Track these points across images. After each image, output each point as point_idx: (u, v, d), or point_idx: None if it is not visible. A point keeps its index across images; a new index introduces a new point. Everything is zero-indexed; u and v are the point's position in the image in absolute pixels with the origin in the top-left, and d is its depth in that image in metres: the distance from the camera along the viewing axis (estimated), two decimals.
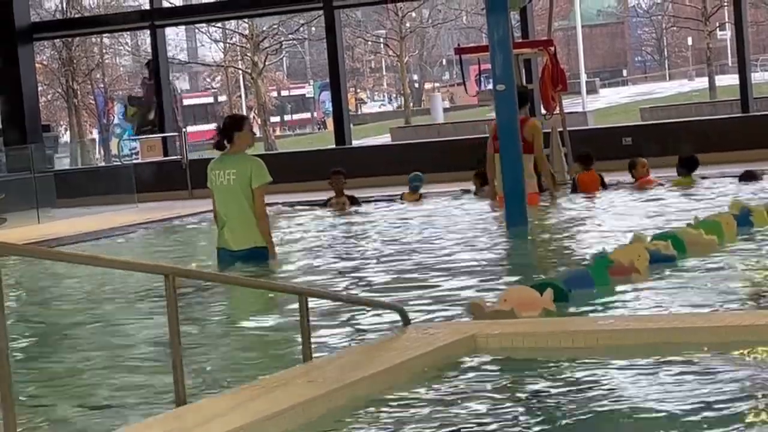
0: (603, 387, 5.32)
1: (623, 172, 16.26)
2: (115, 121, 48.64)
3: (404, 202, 16.61)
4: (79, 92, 46.83)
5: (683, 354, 5.72)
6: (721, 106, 31.62)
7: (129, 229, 16.39)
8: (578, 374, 5.60)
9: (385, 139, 38.14)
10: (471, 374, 5.76)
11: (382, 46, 56.17)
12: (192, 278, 7.81)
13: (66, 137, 48.79)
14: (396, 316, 6.79)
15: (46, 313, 9.58)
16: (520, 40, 20.11)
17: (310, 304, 6.05)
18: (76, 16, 41.95)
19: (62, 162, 28.60)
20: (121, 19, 30.00)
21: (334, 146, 23.84)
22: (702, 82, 51.33)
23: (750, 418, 4.67)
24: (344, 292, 8.78)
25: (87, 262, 5.28)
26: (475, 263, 10.01)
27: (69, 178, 23.13)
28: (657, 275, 8.37)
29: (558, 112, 17.47)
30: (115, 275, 10.26)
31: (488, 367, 5.89)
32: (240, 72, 52.36)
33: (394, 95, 64.94)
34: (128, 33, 46.99)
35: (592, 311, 7.40)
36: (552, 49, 17.43)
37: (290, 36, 49.28)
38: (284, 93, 63.77)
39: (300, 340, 5.97)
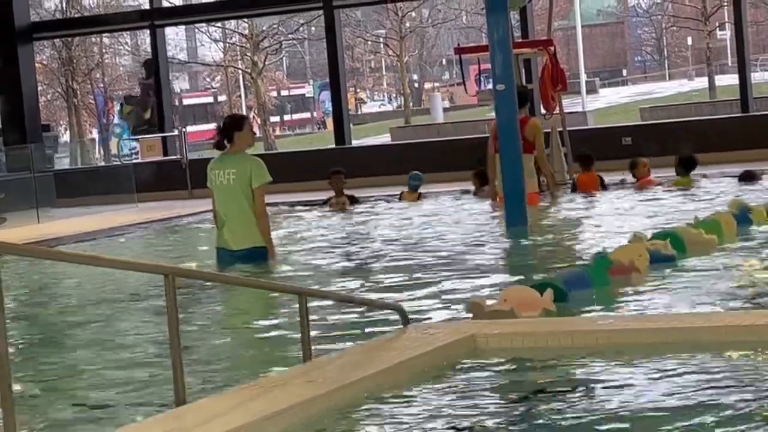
0: (603, 387, 5.32)
1: (623, 172, 16.27)
2: (115, 120, 48.61)
3: (404, 202, 16.61)
4: (78, 92, 46.81)
5: (683, 354, 5.72)
6: (720, 106, 31.62)
7: (129, 229, 16.39)
8: (578, 374, 5.60)
9: (384, 138, 38.14)
10: (471, 374, 5.76)
11: (381, 45, 56.14)
12: (192, 278, 7.81)
13: (66, 137, 48.78)
14: (396, 316, 6.79)
15: (46, 313, 9.58)
16: (520, 40, 20.11)
17: (310, 304, 6.05)
18: (76, 15, 41.93)
19: (62, 162, 28.61)
20: (120, 18, 30.00)
21: (333, 146, 23.84)
22: (702, 82, 51.32)
23: (750, 418, 4.67)
24: (344, 292, 8.78)
25: (87, 262, 5.27)
26: (474, 263, 10.01)
27: (69, 178, 23.14)
28: (657, 275, 8.38)
29: (558, 111, 17.47)
30: (115, 275, 10.25)
31: (488, 367, 5.89)
32: (240, 72, 52.35)
33: (394, 95, 64.92)
34: (128, 33, 46.98)
35: (591, 311, 7.41)
36: (552, 48, 17.43)
37: (290, 36, 49.25)
38: (284, 93, 63.74)
39: (300, 340, 5.97)
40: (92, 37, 43.57)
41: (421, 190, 16.90)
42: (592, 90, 52.57)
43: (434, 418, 5.02)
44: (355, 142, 26.82)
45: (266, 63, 47.35)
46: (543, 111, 17.62)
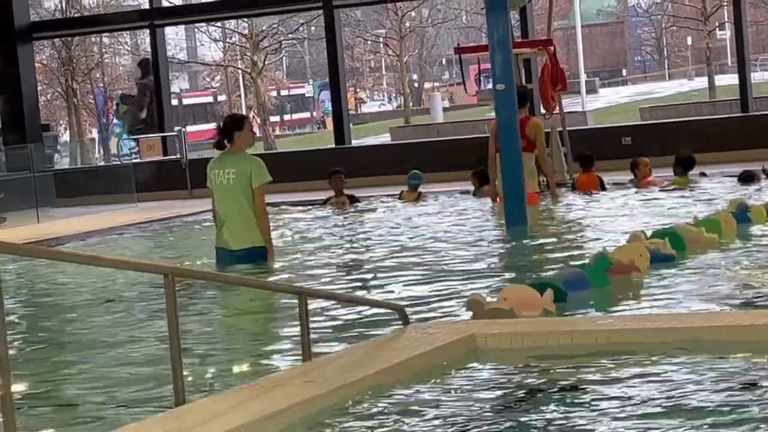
0: (602, 387, 5.31)
1: (623, 172, 16.27)
2: (114, 120, 48.61)
3: (403, 201, 16.60)
4: (78, 92, 46.80)
5: (683, 354, 5.72)
6: (720, 106, 31.61)
7: (128, 229, 16.39)
8: (578, 374, 5.60)
9: (384, 138, 38.13)
10: (470, 374, 5.76)
11: (381, 45, 56.13)
12: (192, 278, 7.81)
13: (65, 137, 48.78)
14: (395, 316, 6.79)
15: (45, 313, 9.58)
16: (520, 40, 20.11)
17: (310, 304, 6.05)
18: (76, 15, 41.91)
19: (62, 161, 28.61)
20: (120, 18, 30.00)
21: (333, 146, 23.83)
22: (701, 82, 51.32)
23: (750, 419, 4.67)
24: (344, 292, 8.78)
25: (87, 262, 5.27)
26: (474, 263, 10.01)
27: (68, 178, 23.14)
28: (657, 275, 8.37)
29: (558, 111, 17.48)
30: (114, 274, 10.25)
31: (487, 366, 5.89)
32: (239, 71, 52.34)
33: (394, 95, 64.91)
34: (128, 32, 46.98)
35: (591, 311, 7.40)
36: (551, 48, 17.44)
37: (290, 35, 49.24)
38: (284, 92, 63.72)
39: (299, 340, 5.97)
40: (92, 36, 43.56)
41: (421, 189, 16.90)
42: (591, 90, 52.56)
43: (434, 417, 5.02)
44: (354, 142, 26.82)
45: (266, 63, 47.34)
46: (543, 111, 17.63)
